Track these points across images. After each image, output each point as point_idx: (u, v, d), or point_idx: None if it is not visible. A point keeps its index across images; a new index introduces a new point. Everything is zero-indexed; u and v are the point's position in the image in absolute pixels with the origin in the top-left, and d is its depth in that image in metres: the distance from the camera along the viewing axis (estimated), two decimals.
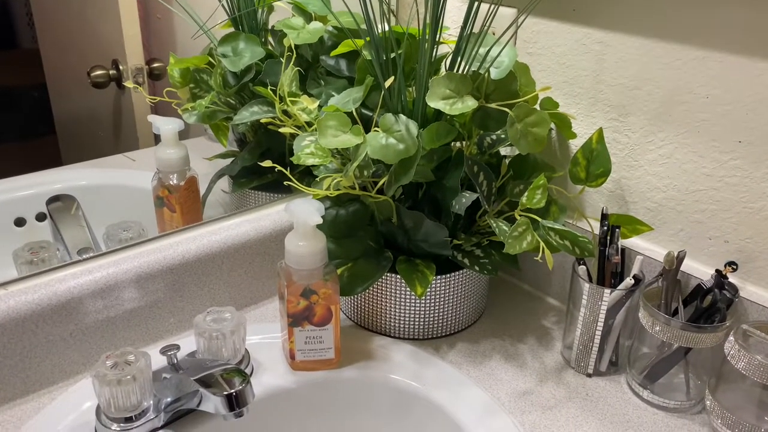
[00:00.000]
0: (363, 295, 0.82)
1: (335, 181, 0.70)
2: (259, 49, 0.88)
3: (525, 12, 0.84)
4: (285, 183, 0.75)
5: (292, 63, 0.83)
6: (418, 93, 0.73)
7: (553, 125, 0.84)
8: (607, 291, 0.73)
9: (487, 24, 0.71)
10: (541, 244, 0.70)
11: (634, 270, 0.75)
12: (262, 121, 0.85)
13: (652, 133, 0.77)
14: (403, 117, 0.70)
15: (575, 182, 0.79)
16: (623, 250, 0.77)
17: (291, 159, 0.76)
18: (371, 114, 0.78)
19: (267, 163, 0.75)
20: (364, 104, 0.78)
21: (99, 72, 0.87)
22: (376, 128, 0.70)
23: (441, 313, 0.81)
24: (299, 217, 0.69)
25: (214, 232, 0.84)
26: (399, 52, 0.75)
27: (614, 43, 0.77)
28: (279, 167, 0.76)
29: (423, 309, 0.80)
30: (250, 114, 0.87)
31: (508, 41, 0.74)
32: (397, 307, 0.80)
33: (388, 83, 0.70)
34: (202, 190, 0.94)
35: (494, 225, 0.73)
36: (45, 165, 0.82)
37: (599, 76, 0.80)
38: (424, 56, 0.71)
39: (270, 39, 0.96)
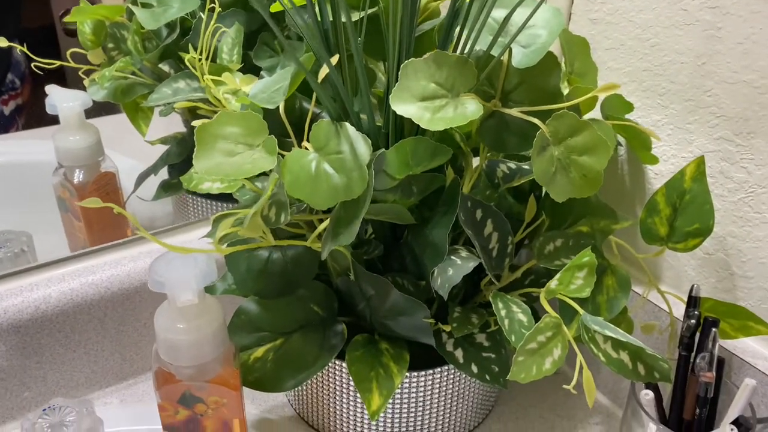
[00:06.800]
0: (306, 383, 0.54)
1: (230, 228, 0.41)
2: None
3: None
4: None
5: (214, 19, 0.55)
6: (388, 82, 0.43)
7: (621, 139, 0.53)
8: None
9: None
10: (580, 360, 0.41)
11: (739, 404, 0.44)
12: (176, 106, 0.58)
13: None
14: (349, 128, 0.40)
15: (650, 241, 0.48)
16: (721, 360, 0.47)
17: (181, 179, 0.48)
18: (320, 111, 0.49)
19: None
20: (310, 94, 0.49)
21: None
22: (307, 143, 0.41)
23: (425, 418, 0.53)
24: (171, 290, 0.41)
25: (92, 269, 0.57)
26: (369, 11, 0.45)
27: (740, 9, 0.45)
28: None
29: (398, 411, 0.52)
30: (172, 92, 0.60)
31: None
32: (355, 406, 0.52)
33: (333, 61, 0.41)
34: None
35: (501, 313, 0.43)
36: None
37: (707, 64, 0.48)
38: (399, 15, 0.41)
39: None
